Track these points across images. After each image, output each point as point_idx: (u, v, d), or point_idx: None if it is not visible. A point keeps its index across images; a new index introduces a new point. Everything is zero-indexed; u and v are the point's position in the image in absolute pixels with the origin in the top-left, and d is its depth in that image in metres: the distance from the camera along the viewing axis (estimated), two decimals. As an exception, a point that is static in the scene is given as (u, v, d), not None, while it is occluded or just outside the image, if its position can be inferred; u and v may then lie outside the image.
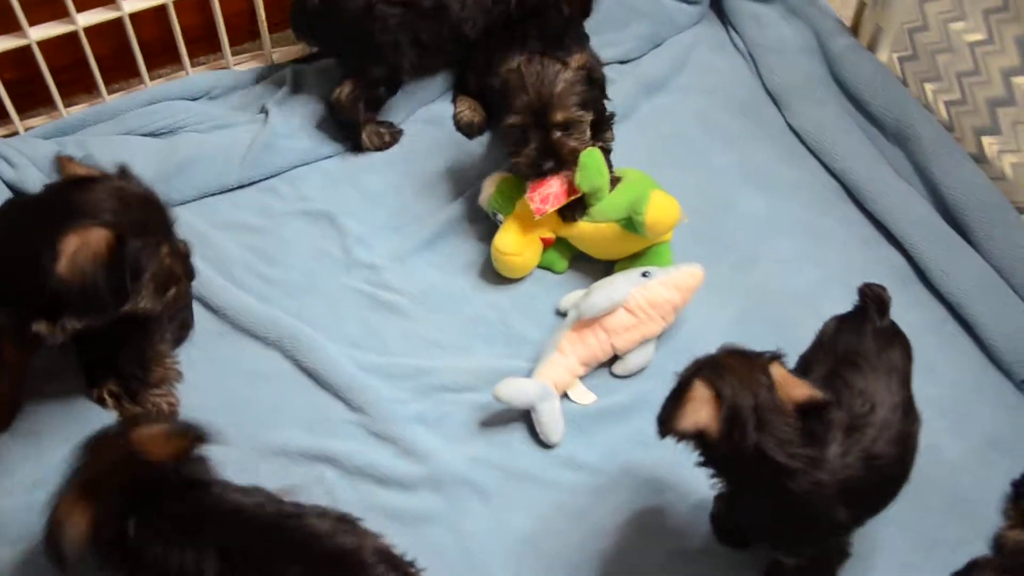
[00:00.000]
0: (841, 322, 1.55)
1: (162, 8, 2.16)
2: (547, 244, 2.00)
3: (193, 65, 2.30)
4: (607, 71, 2.02)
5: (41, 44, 2.08)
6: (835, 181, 2.20)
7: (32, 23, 2.06)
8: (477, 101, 2.26)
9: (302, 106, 2.23)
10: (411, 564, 1.40)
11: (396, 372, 1.86)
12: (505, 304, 1.98)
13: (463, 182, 2.15)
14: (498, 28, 2.16)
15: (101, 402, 1.76)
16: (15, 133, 2.17)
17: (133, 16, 2.14)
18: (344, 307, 1.96)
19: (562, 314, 1.94)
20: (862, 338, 1.49)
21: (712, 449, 1.35)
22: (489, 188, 2.01)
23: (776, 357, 1.39)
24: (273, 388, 1.83)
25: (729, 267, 2.04)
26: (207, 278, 1.93)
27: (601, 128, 2.01)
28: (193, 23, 2.25)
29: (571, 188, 1.91)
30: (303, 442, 1.75)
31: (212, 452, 1.42)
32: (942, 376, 1.87)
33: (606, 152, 1.98)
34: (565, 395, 1.83)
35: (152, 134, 2.17)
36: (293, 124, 2.19)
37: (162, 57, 2.29)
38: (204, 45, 2.33)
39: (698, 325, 1.94)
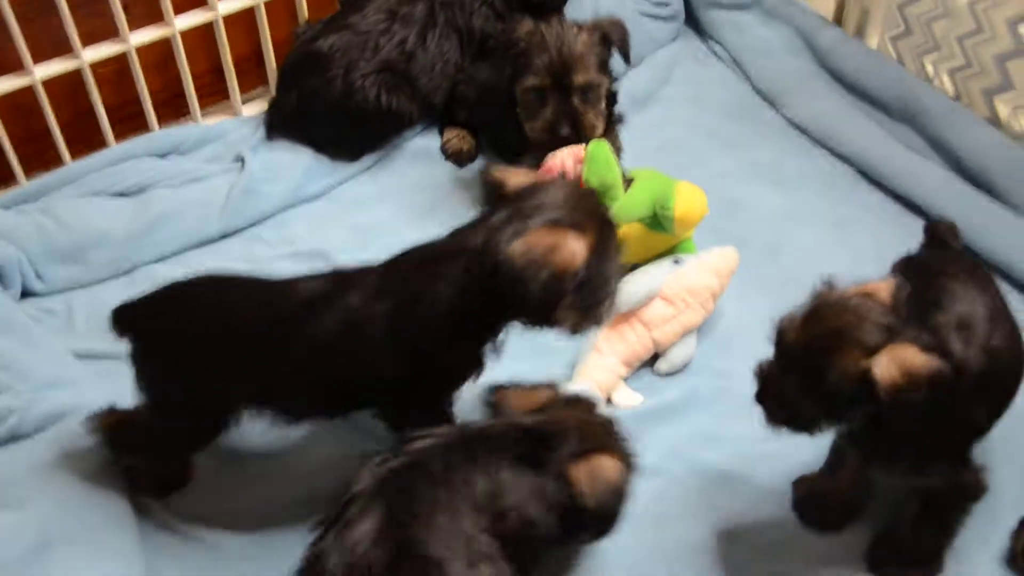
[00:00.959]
0: (918, 253, 1.47)
1: (122, 71, 2.05)
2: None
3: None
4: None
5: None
6: (846, 166, 2.14)
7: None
8: (465, 130, 2.18)
9: (280, 149, 2.10)
10: None
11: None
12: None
13: (457, 213, 2.01)
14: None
15: None
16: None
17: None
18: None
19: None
20: (946, 256, 1.42)
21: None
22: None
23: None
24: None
25: (757, 260, 1.92)
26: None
27: (611, 123, 1.94)
28: (156, 87, 2.15)
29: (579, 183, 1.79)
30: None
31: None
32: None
33: (616, 152, 1.89)
34: (609, 401, 1.67)
35: (121, 194, 2.01)
36: (272, 167, 2.06)
37: (124, 125, 2.16)
38: (169, 110, 2.21)
39: (735, 318, 1.82)
